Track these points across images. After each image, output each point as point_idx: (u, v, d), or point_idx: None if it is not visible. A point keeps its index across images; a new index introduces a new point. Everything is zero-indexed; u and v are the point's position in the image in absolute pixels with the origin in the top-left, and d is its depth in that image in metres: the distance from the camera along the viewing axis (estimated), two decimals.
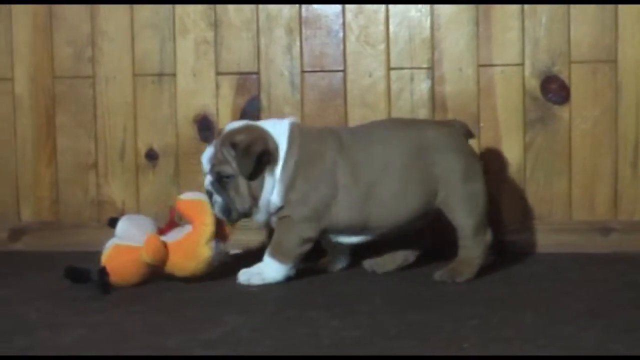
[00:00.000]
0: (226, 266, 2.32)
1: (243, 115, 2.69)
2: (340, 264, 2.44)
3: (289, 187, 2.26)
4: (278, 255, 2.28)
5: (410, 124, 2.40)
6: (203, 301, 2.13)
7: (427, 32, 2.64)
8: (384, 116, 2.65)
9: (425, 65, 2.64)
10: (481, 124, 2.63)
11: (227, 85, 2.71)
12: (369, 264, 2.42)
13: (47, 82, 2.78)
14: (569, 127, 2.61)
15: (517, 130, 2.62)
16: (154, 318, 1.99)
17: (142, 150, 2.75)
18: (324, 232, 2.31)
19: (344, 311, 2.02)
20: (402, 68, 2.65)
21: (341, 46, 2.67)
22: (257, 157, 2.23)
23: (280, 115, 2.66)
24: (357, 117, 2.66)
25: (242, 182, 2.25)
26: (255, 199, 2.26)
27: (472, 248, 2.31)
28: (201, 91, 2.72)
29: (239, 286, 2.25)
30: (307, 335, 1.85)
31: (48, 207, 2.80)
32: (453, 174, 2.30)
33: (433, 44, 2.64)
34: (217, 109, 2.72)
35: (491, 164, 2.62)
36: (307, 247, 2.29)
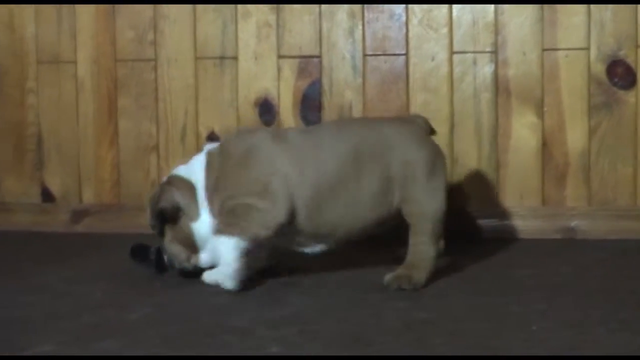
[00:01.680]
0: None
1: (304, 99, 2.69)
2: None
3: (216, 192, 2.12)
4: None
5: (363, 122, 2.26)
6: (267, 283, 2.12)
7: (491, 15, 2.61)
8: (447, 101, 2.63)
9: (488, 49, 2.62)
10: (545, 109, 2.60)
11: (289, 69, 2.71)
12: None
13: (109, 65, 2.79)
14: (635, 112, 2.57)
15: (581, 115, 2.59)
16: (218, 298, 1.99)
17: (203, 133, 2.75)
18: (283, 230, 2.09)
19: (409, 294, 2.01)
20: (465, 52, 2.63)
21: (404, 29, 2.65)
22: (158, 217, 2.15)
23: (342, 99, 2.66)
24: (419, 101, 2.64)
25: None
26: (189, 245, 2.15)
27: (425, 249, 2.11)
28: (262, 74, 2.72)
29: (304, 269, 2.23)
30: (372, 315, 1.84)
31: (109, 189, 2.81)
32: (411, 170, 2.11)
33: (497, 27, 2.61)
34: (279, 93, 2.71)
35: (554, 148, 2.60)
36: (266, 233, 2.06)
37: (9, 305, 1.96)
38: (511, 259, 2.36)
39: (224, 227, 2.07)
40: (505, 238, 2.59)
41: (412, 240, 2.12)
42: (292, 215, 2.07)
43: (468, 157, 2.64)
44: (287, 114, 2.69)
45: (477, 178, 2.63)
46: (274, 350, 1.62)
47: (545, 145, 2.60)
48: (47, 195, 2.85)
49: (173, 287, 2.10)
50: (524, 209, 2.61)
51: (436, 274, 2.12)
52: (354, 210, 2.10)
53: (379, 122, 2.20)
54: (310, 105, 2.69)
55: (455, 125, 2.64)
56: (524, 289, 2.05)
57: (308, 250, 2.16)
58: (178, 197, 2.13)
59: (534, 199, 2.62)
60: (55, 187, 2.85)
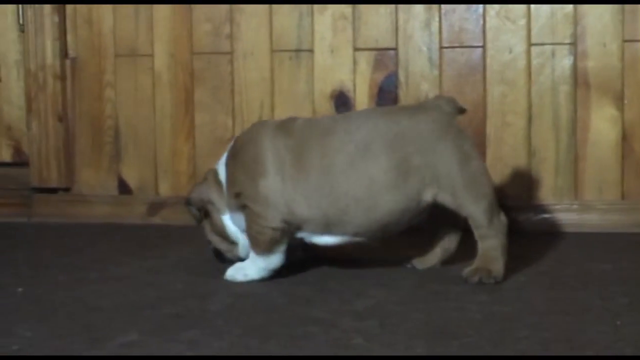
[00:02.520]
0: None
1: (380, 92, 2.68)
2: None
3: (230, 186, 2.15)
4: (253, 248, 2.10)
5: (383, 112, 2.14)
6: (346, 275, 2.12)
7: (570, 6, 2.58)
8: (524, 93, 2.61)
9: (567, 41, 2.59)
10: (625, 101, 2.56)
11: (365, 61, 2.70)
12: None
13: (186, 58, 2.81)
14: None
15: None
16: (298, 290, 1.99)
17: None
18: (290, 225, 2.08)
19: (490, 287, 1.99)
20: (543, 44, 2.60)
21: (481, 21, 2.63)
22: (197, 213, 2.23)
23: (418, 92, 2.65)
24: (496, 93, 2.62)
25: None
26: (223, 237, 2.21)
27: (490, 237, 2.06)
28: (338, 67, 2.72)
29: (377, 262, 2.23)
30: (455, 309, 1.83)
31: (185, 181, 2.83)
32: (442, 162, 2.04)
33: (576, 18, 2.58)
34: (354, 85, 2.71)
35: (635, 142, 2.56)
36: (273, 235, 2.07)
37: (92, 295, 1.98)
38: (591, 253, 2.33)
39: (251, 244, 2.10)
40: (584, 232, 2.56)
41: (476, 233, 2.07)
42: (290, 214, 2.06)
43: (546, 150, 2.61)
44: (363, 106, 2.68)
45: (555, 171, 2.61)
46: (357, 342, 1.62)
47: (625, 139, 2.57)
48: (123, 188, 2.88)
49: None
50: (603, 203, 2.58)
51: (515, 268, 2.11)
52: (365, 200, 2.03)
53: (395, 112, 2.12)
54: (386, 97, 2.68)
55: (533, 118, 2.61)
56: (605, 283, 2.02)
57: (319, 240, 2.11)
58: (206, 191, 2.18)
59: (613, 193, 2.58)
60: (132, 179, 2.87)
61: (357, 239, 2.09)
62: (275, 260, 2.08)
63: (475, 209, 2.05)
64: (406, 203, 2.04)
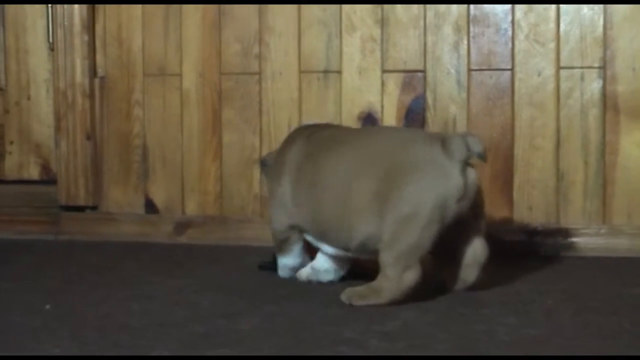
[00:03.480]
0: None
1: (408, 114, 2.69)
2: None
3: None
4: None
5: (388, 135, 2.15)
6: None
7: (600, 30, 2.58)
8: (553, 117, 2.60)
9: (596, 65, 2.58)
10: None
11: (393, 83, 2.70)
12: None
13: (214, 78, 2.82)
14: None
15: None
16: (327, 310, 1.99)
17: None
18: (299, 230, 2.21)
19: (518, 309, 1.99)
20: (572, 67, 2.60)
21: (510, 44, 2.63)
22: None
23: (446, 114, 2.65)
24: (524, 116, 2.62)
25: None
26: None
27: (385, 276, 2.02)
28: (366, 88, 2.72)
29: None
30: (483, 332, 1.82)
31: (212, 201, 2.83)
32: (393, 202, 2.00)
33: (605, 42, 2.57)
34: (382, 107, 2.71)
35: None
36: (287, 235, 2.22)
37: (121, 312, 1.98)
38: (620, 278, 2.31)
39: None
40: (613, 256, 2.55)
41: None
42: (293, 219, 2.19)
43: (575, 173, 2.60)
44: None
45: (584, 195, 2.60)
46: None
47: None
48: (150, 207, 2.89)
49: (282, 298, 2.10)
50: (632, 227, 2.57)
51: (544, 291, 2.09)
52: (342, 219, 2.06)
53: (400, 142, 2.08)
54: (414, 119, 2.68)
55: (561, 142, 2.61)
56: (636, 308, 2.01)
57: (322, 248, 2.18)
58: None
59: None
60: (159, 198, 2.88)
61: (349, 253, 2.14)
62: (290, 260, 2.26)
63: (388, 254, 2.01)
64: (379, 228, 2.02)
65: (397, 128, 2.57)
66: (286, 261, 2.27)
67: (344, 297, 2.03)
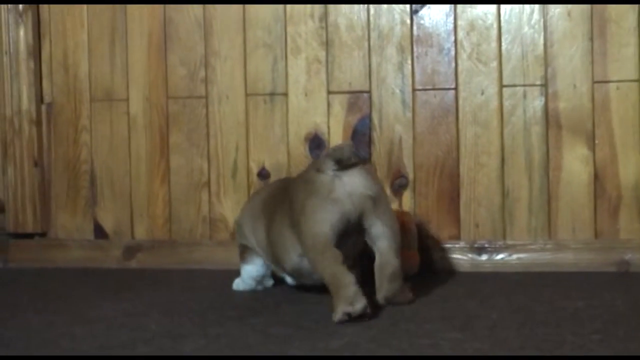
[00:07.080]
0: None
1: (354, 134, 2.70)
2: None
3: None
4: None
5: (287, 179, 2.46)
6: (319, 313, 2.12)
7: (540, 48, 2.61)
8: (497, 134, 2.63)
9: (538, 82, 2.62)
10: (596, 141, 2.59)
11: (339, 104, 2.72)
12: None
13: (161, 102, 2.82)
14: None
15: (633, 148, 2.58)
16: (274, 329, 1.99)
17: (254, 169, 2.77)
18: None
19: (463, 324, 2.00)
20: (514, 85, 2.63)
21: (453, 64, 2.66)
22: None
23: (391, 134, 2.67)
24: (469, 134, 2.65)
25: None
26: None
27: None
28: (313, 110, 2.74)
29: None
30: (428, 346, 1.83)
31: (161, 225, 2.83)
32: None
33: (546, 60, 2.61)
34: (329, 128, 2.73)
35: (607, 181, 2.58)
36: (242, 249, 2.43)
37: (64, 337, 1.98)
38: (564, 292, 2.34)
39: None
40: (558, 271, 2.58)
41: None
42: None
43: (519, 190, 2.63)
44: None
45: (529, 211, 2.62)
46: None
47: (597, 178, 2.59)
48: (99, 232, 2.88)
49: (229, 320, 2.10)
50: (577, 242, 2.60)
51: (489, 306, 2.11)
52: (274, 251, 2.27)
53: (292, 179, 2.32)
54: (361, 140, 2.70)
55: (505, 159, 2.64)
56: (579, 321, 2.03)
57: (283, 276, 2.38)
58: None
59: (586, 232, 2.60)
60: (107, 223, 2.88)
61: (297, 280, 2.33)
62: (248, 269, 2.41)
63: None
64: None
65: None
66: (245, 270, 2.42)
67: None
